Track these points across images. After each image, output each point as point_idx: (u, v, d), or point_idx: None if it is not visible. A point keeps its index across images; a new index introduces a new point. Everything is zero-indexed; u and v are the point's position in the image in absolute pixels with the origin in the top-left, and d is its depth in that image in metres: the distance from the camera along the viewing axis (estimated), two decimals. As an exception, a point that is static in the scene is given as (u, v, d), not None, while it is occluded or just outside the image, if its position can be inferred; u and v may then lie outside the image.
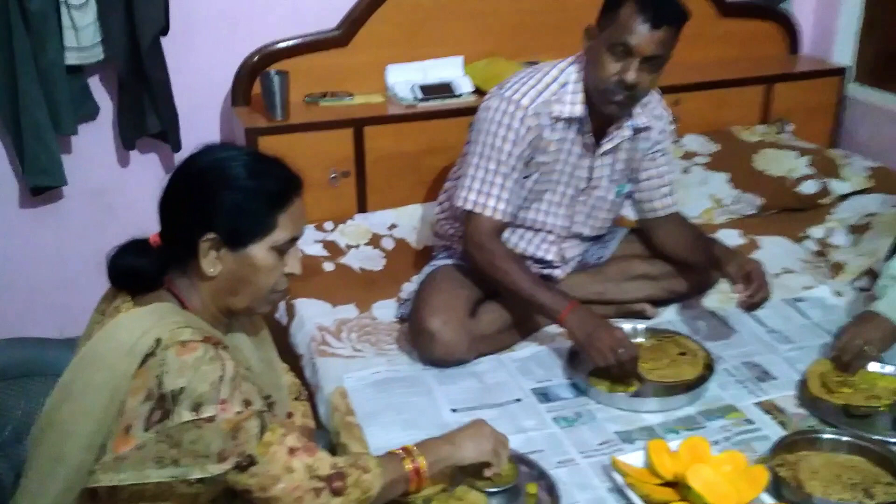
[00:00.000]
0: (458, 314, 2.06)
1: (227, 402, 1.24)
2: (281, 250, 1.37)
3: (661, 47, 1.94)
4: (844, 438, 1.75)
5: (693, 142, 3.09)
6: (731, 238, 2.75)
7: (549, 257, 2.25)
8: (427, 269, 2.25)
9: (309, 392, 2.02)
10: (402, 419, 1.85)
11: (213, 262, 1.34)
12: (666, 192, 2.27)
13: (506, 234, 2.21)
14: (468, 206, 2.08)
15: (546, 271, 2.29)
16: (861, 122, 3.40)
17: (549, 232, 2.23)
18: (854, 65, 3.47)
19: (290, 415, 1.60)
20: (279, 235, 1.35)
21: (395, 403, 1.91)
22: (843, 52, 3.47)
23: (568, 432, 1.85)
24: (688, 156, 3.04)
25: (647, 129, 2.19)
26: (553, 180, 2.15)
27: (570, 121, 2.09)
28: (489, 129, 2.06)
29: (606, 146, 2.15)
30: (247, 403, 1.27)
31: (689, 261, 2.27)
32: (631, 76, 1.95)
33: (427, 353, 2.06)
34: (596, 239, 2.36)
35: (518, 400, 1.96)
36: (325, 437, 1.69)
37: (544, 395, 1.98)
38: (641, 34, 1.92)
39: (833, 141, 3.44)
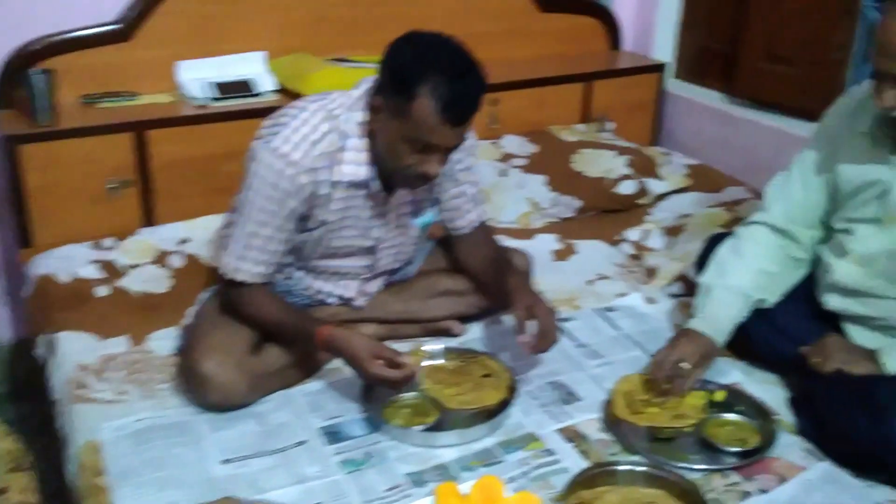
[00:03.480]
0: (235, 353, 1.83)
1: None
2: None
3: (464, 135, 1.77)
4: (640, 469, 1.64)
5: (511, 143, 2.96)
6: (547, 243, 2.65)
7: (350, 294, 2.08)
8: (204, 296, 2.02)
9: (55, 449, 1.76)
10: (159, 477, 1.61)
11: None
12: (469, 209, 2.11)
13: (299, 274, 2.02)
14: (226, 271, 1.88)
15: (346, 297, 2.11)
16: (681, 118, 3.38)
17: (349, 272, 2.05)
18: (675, 60, 3.45)
19: (3, 490, 1.35)
20: None
21: (155, 458, 1.67)
22: (664, 48, 3.44)
23: (354, 478, 1.67)
24: (505, 158, 2.90)
25: None
26: (344, 235, 1.95)
27: (355, 183, 1.87)
28: (254, 186, 1.81)
29: (401, 190, 1.95)
30: None
31: (482, 282, 2.13)
32: (434, 169, 1.76)
33: (201, 399, 1.82)
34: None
35: (302, 443, 1.76)
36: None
37: (334, 434, 1.79)
38: (445, 134, 1.70)
39: (654, 138, 3.41)
